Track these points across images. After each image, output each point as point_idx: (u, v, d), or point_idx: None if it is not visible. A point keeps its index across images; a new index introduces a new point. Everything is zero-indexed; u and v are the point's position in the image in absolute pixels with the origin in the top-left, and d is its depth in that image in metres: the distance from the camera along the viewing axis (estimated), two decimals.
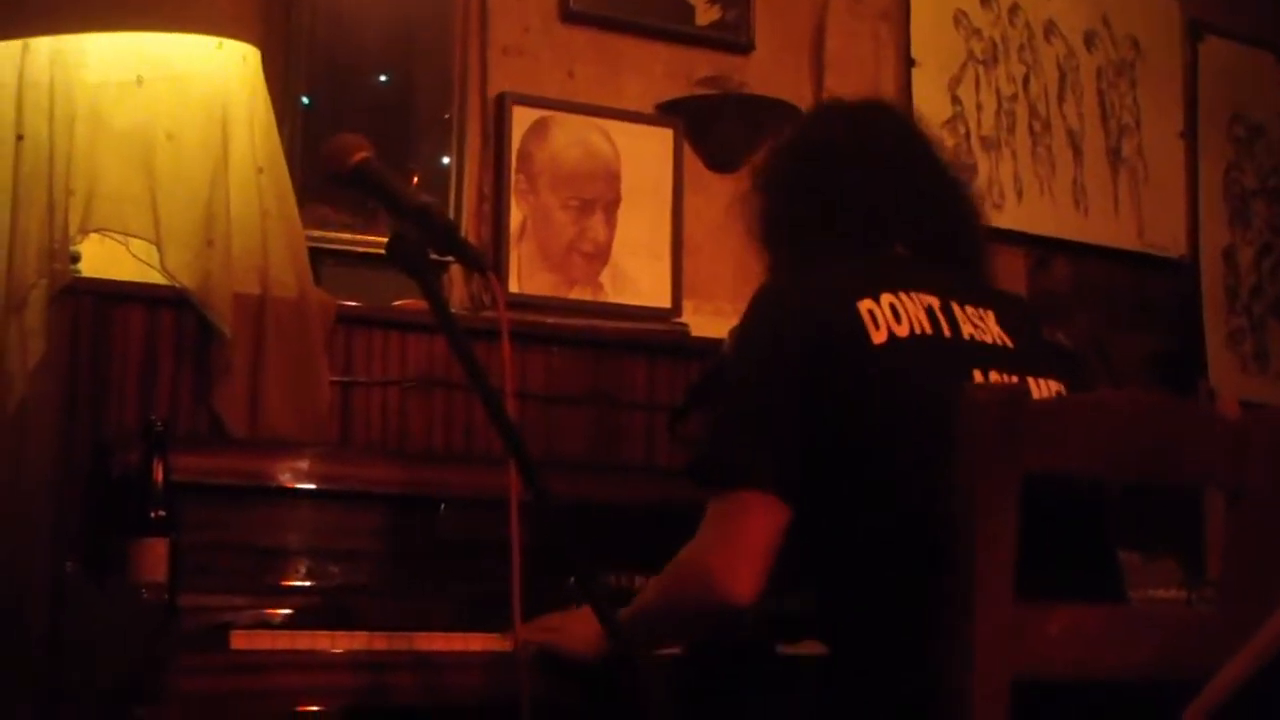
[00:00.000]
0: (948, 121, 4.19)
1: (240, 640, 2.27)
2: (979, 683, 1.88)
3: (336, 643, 2.33)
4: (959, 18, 4.30)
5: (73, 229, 2.72)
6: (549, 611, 2.41)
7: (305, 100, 3.29)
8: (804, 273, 2.32)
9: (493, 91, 3.57)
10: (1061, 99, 4.48)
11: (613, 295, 3.62)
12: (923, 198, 2.37)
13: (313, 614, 2.57)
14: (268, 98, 2.90)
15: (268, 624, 2.51)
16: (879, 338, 2.16)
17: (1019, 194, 4.32)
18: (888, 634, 2.10)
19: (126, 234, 2.79)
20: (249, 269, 2.81)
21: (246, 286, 2.80)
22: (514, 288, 3.48)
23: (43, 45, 2.74)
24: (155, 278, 2.76)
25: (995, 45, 4.36)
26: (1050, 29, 4.47)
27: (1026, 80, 4.42)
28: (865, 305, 2.17)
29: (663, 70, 3.81)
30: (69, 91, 2.74)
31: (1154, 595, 3.34)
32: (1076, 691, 2.00)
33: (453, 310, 2.59)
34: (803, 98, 3.95)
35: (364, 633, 2.38)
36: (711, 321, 3.58)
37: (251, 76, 2.87)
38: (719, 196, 3.82)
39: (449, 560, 2.72)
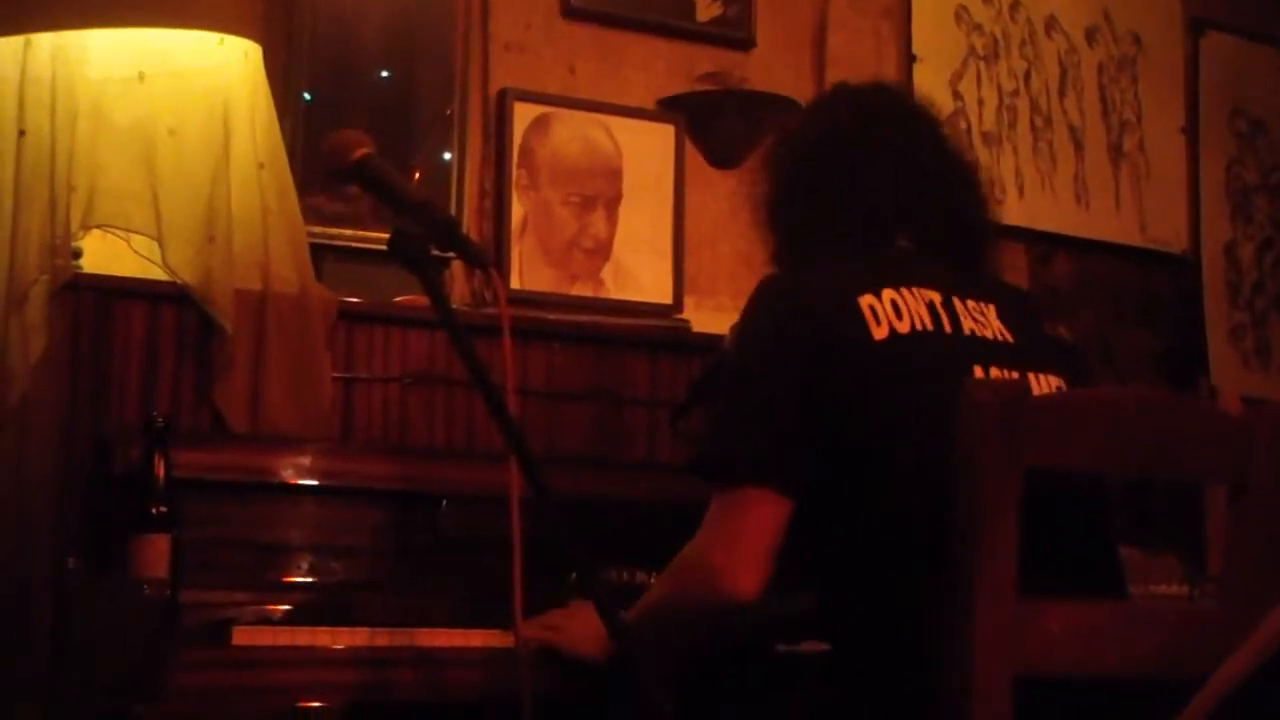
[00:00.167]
0: (949, 117, 4.18)
1: (242, 636, 2.27)
2: (980, 680, 1.88)
3: (338, 639, 2.33)
4: (960, 13, 4.29)
5: (74, 225, 2.72)
6: (550, 608, 2.41)
7: (307, 96, 3.29)
8: (805, 268, 2.32)
9: (494, 87, 3.57)
10: (1063, 94, 4.48)
11: (614, 291, 3.62)
12: (927, 187, 2.36)
13: (314, 610, 2.57)
14: (269, 94, 2.91)
15: (269, 620, 2.51)
16: (880, 334, 2.16)
17: (1020, 189, 4.31)
18: (889, 631, 2.10)
19: (128, 230, 2.79)
20: (250, 265, 2.81)
21: (248, 282, 2.80)
22: (515, 284, 3.48)
23: (45, 41, 2.74)
24: (157, 274, 2.76)
25: (996, 41, 4.36)
26: (1051, 24, 4.47)
27: (1028, 76, 4.41)
28: (866, 301, 2.17)
29: (664, 66, 3.81)
30: (71, 87, 2.74)
31: (1155, 591, 3.34)
32: (1078, 688, 2.00)
33: (454, 306, 2.59)
34: (804, 94, 3.94)
35: (365, 629, 2.37)
36: (713, 317, 3.58)
37: (253, 72, 2.87)
38: (720, 192, 3.83)
39: (450, 556, 2.72)
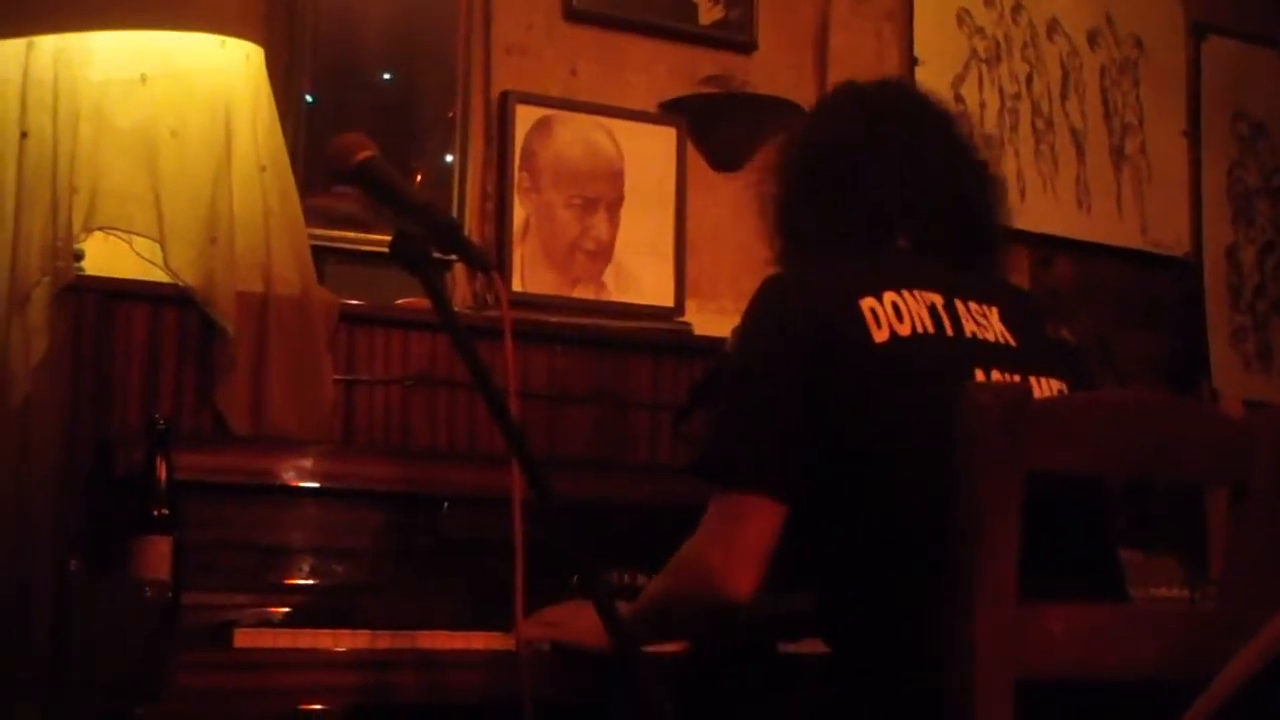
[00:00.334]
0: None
1: (243, 638, 2.27)
2: (981, 682, 1.88)
3: (339, 641, 2.33)
4: (962, 16, 4.29)
5: (76, 227, 2.72)
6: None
7: (309, 98, 3.29)
8: (806, 270, 2.31)
9: (496, 90, 3.57)
10: (1064, 97, 4.48)
11: (616, 294, 3.62)
12: (930, 185, 2.35)
13: (315, 612, 2.57)
14: (271, 96, 2.91)
15: (270, 622, 2.51)
16: (880, 336, 2.15)
17: (1022, 192, 4.31)
18: (889, 632, 2.10)
19: (130, 232, 2.79)
20: (252, 267, 2.81)
21: (250, 284, 2.80)
22: (517, 286, 3.48)
23: (47, 43, 2.74)
24: (158, 276, 2.77)
25: (998, 44, 4.36)
26: (1053, 27, 4.47)
27: (1029, 79, 4.41)
28: (867, 303, 2.17)
29: (666, 69, 3.81)
30: (73, 89, 2.75)
31: (1156, 594, 3.34)
32: (1079, 691, 2.00)
33: (456, 309, 2.59)
34: (806, 97, 3.94)
35: (366, 631, 2.38)
36: (715, 320, 3.58)
37: (255, 75, 2.87)
38: (722, 195, 3.83)
39: (452, 559, 2.73)
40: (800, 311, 2.19)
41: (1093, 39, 4.54)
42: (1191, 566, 3.57)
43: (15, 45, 2.73)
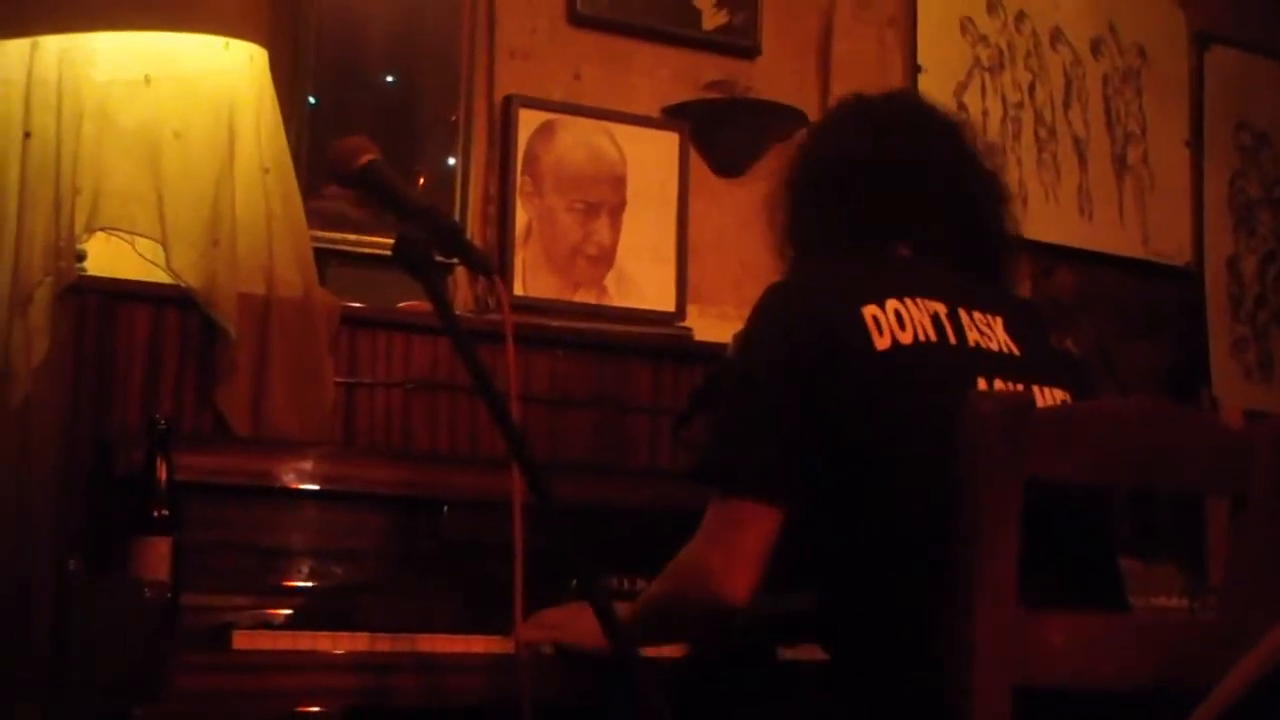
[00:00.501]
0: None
1: (242, 640, 2.27)
2: (980, 688, 1.88)
3: (338, 643, 2.33)
4: (965, 24, 4.30)
5: (79, 227, 2.72)
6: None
7: (312, 100, 3.29)
8: (809, 276, 2.32)
9: (499, 93, 3.57)
10: (1067, 106, 4.48)
11: (617, 299, 3.62)
12: (936, 198, 2.35)
13: (315, 614, 2.57)
14: (274, 98, 2.91)
15: (270, 624, 2.51)
16: (882, 344, 2.15)
17: (1024, 201, 4.30)
18: (889, 638, 2.10)
19: (132, 233, 2.79)
20: (254, 269, 2.82)
21: (251, 286, 2.80)
22: (518, 290, 3.48)
23: (51, 43, 2.74)
24: (160, 277, 2.77)
25: (1001, 52, 4.36)
26: (1057, 36, 4.47)
27: (1032, 87, 4.42)
28: (869, 311, 2.17)
29: (669, 74, 3.82)
30: (76, 90, 2.75)
31: (1156, 603, 3.34)
32: (1078, 700, 2.00)
33: (457, 312, 2.59)
34: (809, 103, 3.95)
35: (366, 634, 2.38)
36: (716, 326, 3.58)
37: (259, 76, 2.87)
38: (724, 201, 3.83)
39: (452, 562, 2.73)
40: (802, 317, 2.19)
41: (1096, 48, 4.55)
42: (1191, 575, 3.57)
43: (20, 45, 2.73)
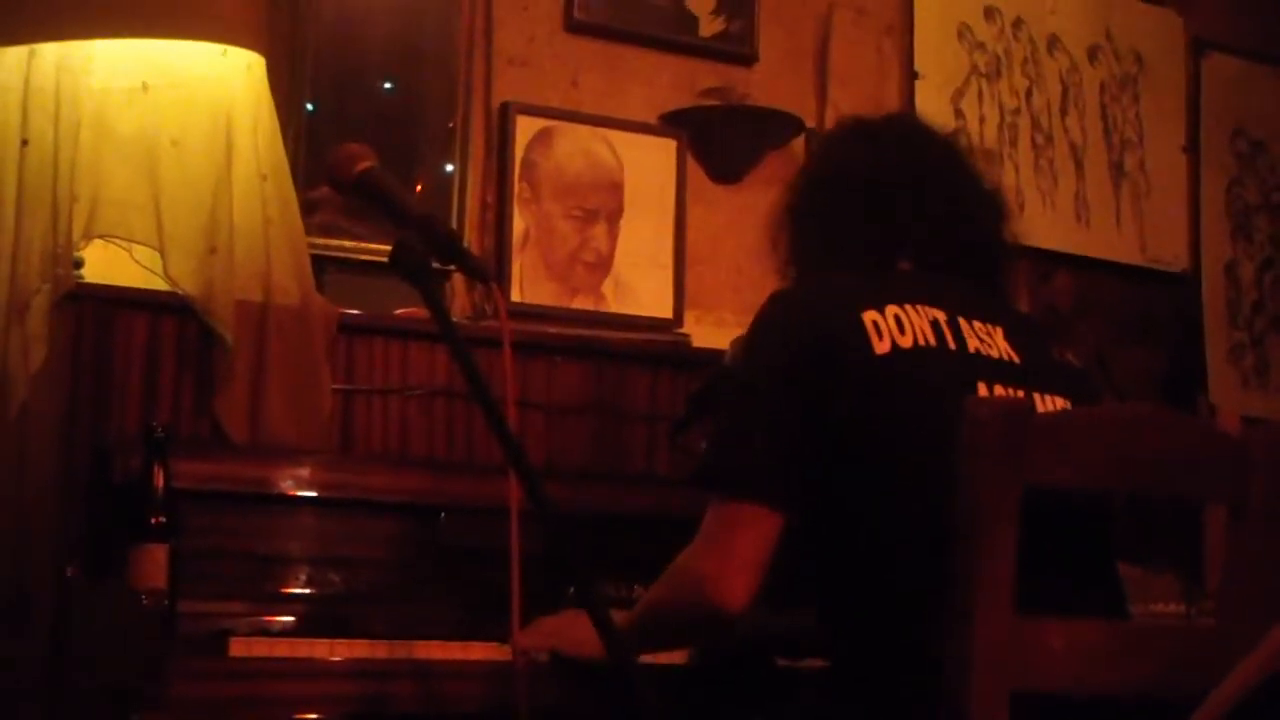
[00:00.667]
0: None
1: (239, 647, 2.27)
2: (978, 695, 1.88)
3: (336, 651, 2.33)
4: (962, 31, 4.30)
5: (76, 235, 2.72)
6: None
7: (309, 108, 3.29)
8: (809, 284, 2.33)
9: (497, 101, 3.57)
10: (1064, 113, 4.48)
11: (615, 305, 3.62)
12: (935, 218, 2.36)
13: (312, 622, 2.57)
14: (272, 105, 2.91)
15: (267, 631, 2.51)
16: (882, 348, 2.16)
17: (1021, 207, 4.30)
18: (888, 643, 2.11)
19: (130, 240, 2.79)
20: (252, 276, 2.81)
21: (249, 294, 2.80)
22: (516, 297, 3.48)
23: (49, 51, 2.74)
24: (158, 284, 2.77)
25: (998, 59, 4.36)
26: (1053, 43, 4.48)
27: (1029, 94, 4.42)
28: (869, 316, 2.18)
29: (667, 81, 3.82)
30: (74, 97, 2.75)
31: (1153, 610, 3.34)
32: (1076, 706, 2.00)
33: (454, 319, 2.60)
34: (806, 109, 3.96)
35: (364, 641, 2.38)
36: (713, 332, 3.59)
37: (256, 84, 2.87)
38: (722, 207, 3.83)
39: (449, 569, 2.73)
40: (802, 324, 2.20)
41: (1093, 55, 4.55)
42: (1189, 582, 3.57)
43: (17, 53, 2.73)
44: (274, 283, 2.83)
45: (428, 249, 2.15)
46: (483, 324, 3.23)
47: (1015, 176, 4.33)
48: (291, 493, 2.69)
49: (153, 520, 2.44)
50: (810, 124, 3.94)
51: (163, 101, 2.82)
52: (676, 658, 2.43)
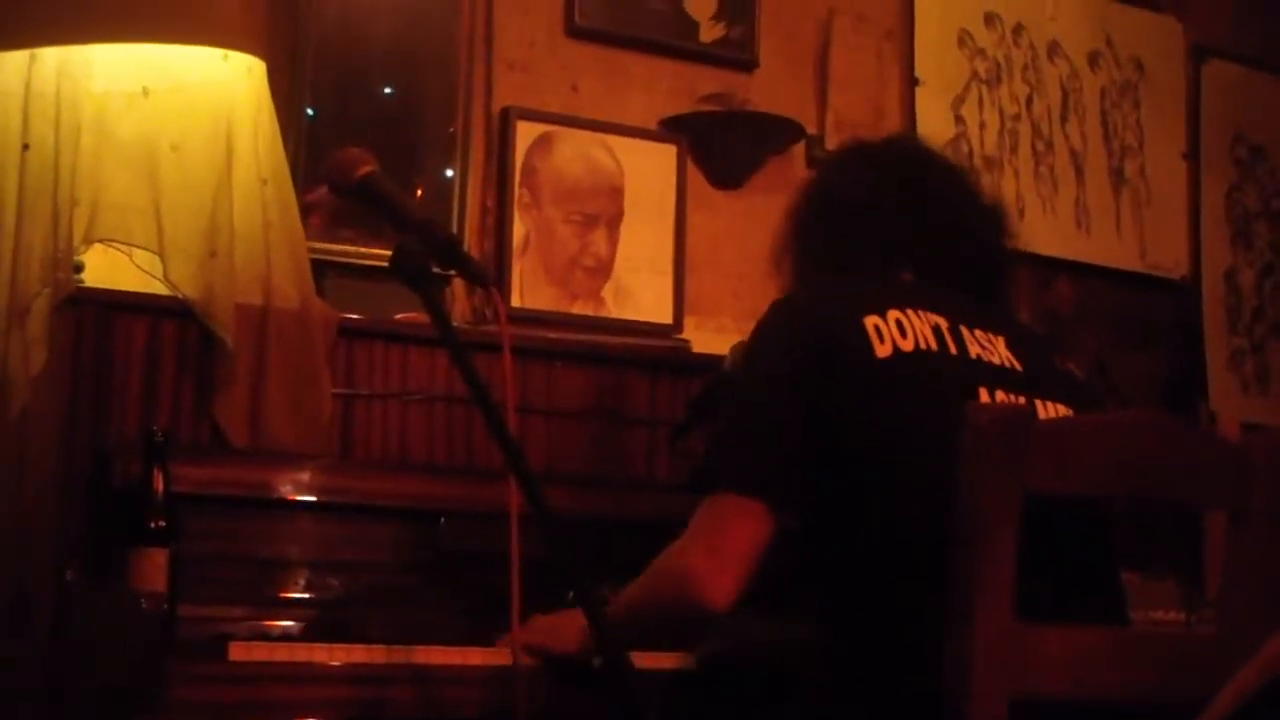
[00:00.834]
0: (950, 141, 4.19)
1: (238, 652, 2.27)
2: (976, 699, 1.89)
3: (335, 655, 2.33)
4: (963, 37, 4.30)
5: (76, 239, 2.72)
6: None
7: (310, 112, 3.30)
8: (811, 292, 2.33)
9: (497, 105, 3.58)
10: (1064, 119, 4.48)
11: (615, 310, 3.62)
12: (936, 232, 2.38)
13: (312, 626, 2.57)
14: (273, 109, 2.91)
15: (266, 636, 2.51)
16: (883, 351, 2.16)
17: (1021, 213, 4.31)
18: (887, 646, 2.10)
19: (130, 244, 2.79)
20: (252, 280, 2.81)
21: (249, 298, 2.80)
22: (516, 302, 3.48)
23: (49, 55, 2.74)
24: (158, 288, 2.77)
25: (999, 65, 4.37)
26: (1054, 49, 4.48)
27: (1030, 100, 4.42)
28: (871, 320, 2.18)
29: (667, 86, 3.82)
30: (75, 101, 2.75)
31: (1153, 616, 3.34)
32: (1076, 711, 2.00)
33: (454, 324, 2.60)
34: (806, 115, 3.96)
35: (363, 645, 2.37)
36: (713, 338, 3.59)
37: (257, 88, 2.87)
38: (722, 213, 3.83)
39: (449, 574, 2.72)
40: (804, 327, 2.20)
41: (1093, 61, 4.55)
42: (1188, 589, 3.57)
43: (18, 57, 2.73)
44: (274, 287, 2.83)
45: (428, 253, 2.16)
46: (483, 329, 3.23)
47: (1015, 183, 4.33)
48: (291, 497, 2.68)
49: (152, 524, 2.43)
50: (810, 130, 3.95)
51: (163, 106, 2.82)
52: (673, 661, 2.42)
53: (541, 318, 3.45)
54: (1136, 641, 2.18)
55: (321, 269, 3.12)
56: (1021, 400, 2.21)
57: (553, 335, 3.22)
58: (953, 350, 2.22)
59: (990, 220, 2.45)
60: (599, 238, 3.63)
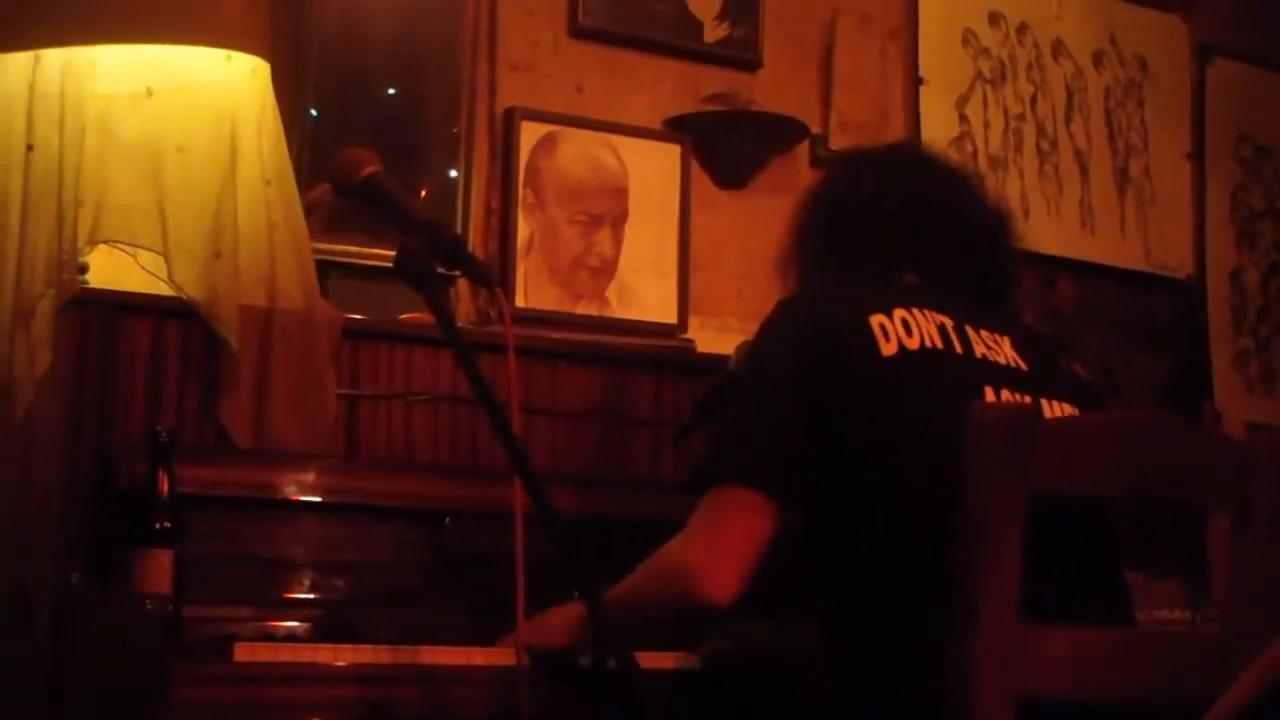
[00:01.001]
0: (955, 140, 4.19)
1: (243, 652, 2.27)
2: (980, 700, 1.88)
3: (340, 656, 2.33)
4: (967, 37, 4.30)
5: (81, 240, 2.72)
6: None
7: (314, 113, 3.30)
8: (816, 291, 2.33)
9: (501, 106, 3.58)
10: (1069, 119, 4.48)
11: (619, 311, 3.62)
12: (940, 236, 2.38)
13: (317, 627, 2.57)
14: (276, 110, 2.91)
15: (271, 636, 2.51)
16: (889, 350, 2.16)
17: (1025, 213, 4.31)
18: (891, 646, 2.11)
19: (134, 245, 2.79)
20: (256, 281, 2.81)
21: (253, 298, 2.80)
22: (520, 302, 3.48)
23: (53, 57, 2.74)
24: (162, 289, 2.77)
25: (1003, 64, 4.37)
26: (1058, 48, 4.48)
27: (1034, 99, 4.42)
28: (877, 319, 2.18)
29: (671, 86, 3.82)
30: (79, 103, 2.75)
31: (1158, 616, 3.33)
32: (1080, 712, 2.00)
33: (459, 324, 2.60)
34: (811, 115, 3.96)
35: (368, 646, 2.37)
36: (718, 338, 3.59)
37: (261, 89, 2.87)
38: (726, 213, 3.83)
39: (454, 574, 2.72)
40: (809, 326, 2.21)
41: (1097, 60, 4.55)
42: (1193, 588, 3.57)
43: (22, 59, 2.73)
44: (278, 287, 2.83)
45: (432, 254, 2.16)
46: (487, 329, 3.23)
47: (1020, 182, 4.33)
48: (296, 498, 2.68)
49: (157, 525, 2.43)
50: (815, 129, 3.95)
51: (167, 107, 2.82)
52: (673, 661, 2.42)
53: (546, 318, 3.45)
54: (1140, 642, 2.18)
55: (326, 269, 3.12)
56: (1027, 400, 2.21)
57: (557, 335, 3.22)
58: (958, 349, 2.22)
59: (994, 224, 2.45)
60: (603, 238, 3.63)
